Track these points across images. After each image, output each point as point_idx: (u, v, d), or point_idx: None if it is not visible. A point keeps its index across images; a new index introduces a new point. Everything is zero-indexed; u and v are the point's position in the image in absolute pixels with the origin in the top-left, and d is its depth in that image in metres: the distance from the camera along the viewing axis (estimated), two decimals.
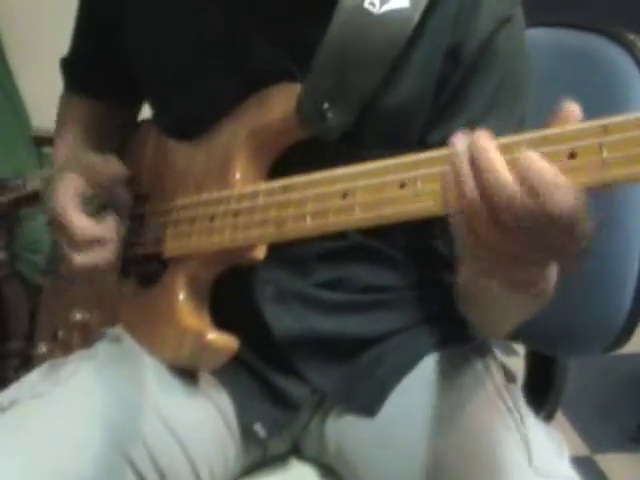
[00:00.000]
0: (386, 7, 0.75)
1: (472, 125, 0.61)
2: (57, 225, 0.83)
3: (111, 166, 0.86)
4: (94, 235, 0.81)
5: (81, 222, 0.81)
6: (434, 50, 0.76)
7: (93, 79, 0.99)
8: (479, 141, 0.54)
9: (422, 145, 0.76)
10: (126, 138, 0.99)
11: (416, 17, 0.75)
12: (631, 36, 0.97)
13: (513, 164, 0.52)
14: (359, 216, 0.65)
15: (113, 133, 0.99)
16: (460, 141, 0.55)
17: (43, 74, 1.06)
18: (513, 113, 0.79)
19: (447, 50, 0.76)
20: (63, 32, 1.00)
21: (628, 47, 0.96)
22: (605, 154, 0.51)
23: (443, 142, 0.59)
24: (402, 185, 0.62)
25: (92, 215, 0.83)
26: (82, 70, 1.00)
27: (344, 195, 0.66)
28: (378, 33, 0.75)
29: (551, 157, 0.52)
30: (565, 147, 0.52)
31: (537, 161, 0.52)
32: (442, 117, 0.78)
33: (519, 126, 0.77)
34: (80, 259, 0.81)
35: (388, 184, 0.63)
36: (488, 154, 0.53)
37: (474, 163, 0.54)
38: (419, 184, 0.60)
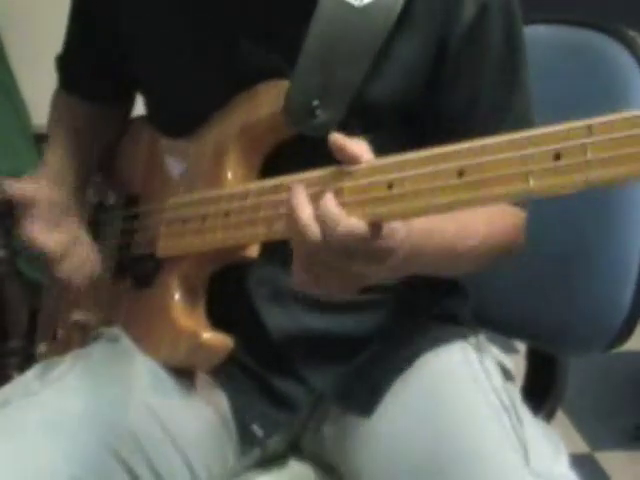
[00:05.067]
0: None
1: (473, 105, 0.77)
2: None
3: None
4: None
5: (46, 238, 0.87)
6: (423, 39, 0.77)
7: (85, 81, 0.99)
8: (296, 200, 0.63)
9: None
10: (117, 138, 0.99)
11: (398, 8, 0.75)
12: (632, 33, 0.97)
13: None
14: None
15: (104, 133, 1.00)
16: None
17: (43, 72, 1.06)
18: (516, 86, 0.82)
19: (437, 40, 0.77)
20: (63, 30, 1.00)
21: (629, 44, 0.96)
22: (589, 155, 0.50)
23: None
24: (390, 185, 0.61)
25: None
26: (74, 70, 1.00)
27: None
28: (361, 26, 0.74)
29: (536, 158, 0.53)
30: (550, 148, 0.52)
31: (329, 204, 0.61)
32: (441, 93, 0.80)
33: (525, 98, 0.82)
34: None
35: (376, 184, 0.62)
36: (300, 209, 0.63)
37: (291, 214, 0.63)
38: (407, 185, 0.60)
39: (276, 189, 0.72)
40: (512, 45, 0.81)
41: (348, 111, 0.76)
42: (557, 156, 0.52)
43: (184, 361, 0.82)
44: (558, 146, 0.52)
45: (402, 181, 0.60)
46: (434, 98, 0.80)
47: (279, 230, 0.71)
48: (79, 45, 0.98)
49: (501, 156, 0.55)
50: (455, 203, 0.58)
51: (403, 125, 0.80)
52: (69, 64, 1.01)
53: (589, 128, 0.51)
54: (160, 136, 0.90)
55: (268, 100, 0.77)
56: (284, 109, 0.76)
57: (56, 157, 0.96)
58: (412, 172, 0.59)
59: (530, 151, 0.53)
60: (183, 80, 0.85)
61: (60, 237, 0.88)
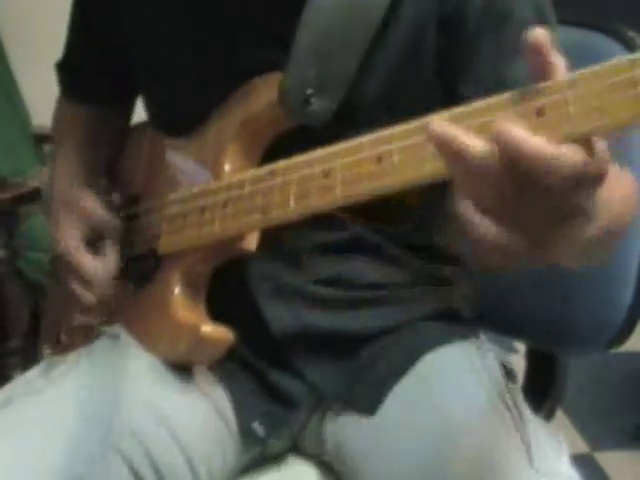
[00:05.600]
0: None
1: (497, 72, 0.71)
2: (66, 262, 0.91)
3: (95, 206, 0.92)
4: (104, 275, 0.89)
5: (92, 266, 0.89)
6: (418, 24, 0.75)
7: (86, 84, 1.00)
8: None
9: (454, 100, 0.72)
10: (120, 143, 1.00)
11: None
12: (631, 33, 0.97)
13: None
14: (341, 194, 0.66)
15: (108, 139, 1.00)
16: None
17: (43, 72, 1.06)
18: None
19: (440, 21, 0.75)
20: (63, 30, 1.00)
21: (628, 44, 0.96)
22: (571, 109, 0.49)
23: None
24: (379, 159, 0.62)
25: (92, 249, 0.91)
26: (75, 75, 1.01)
27: (326, 175, 0.67)
28: (353, 13, 0.74)
29: (520, 116, 0.51)
30: (534, 104, 0.51)
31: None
32: (464, 72, 0.75)
33: None
34: (92, 297, 0.89)
35: (365, 160, 0.63)
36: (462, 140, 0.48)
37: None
38: (395, 157, 0.60)
39: (270, 174, 0.72)
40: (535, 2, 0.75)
41: (345, 99, 0.76)
42: (540, 112, 0.50)
43: (185, 356, 0.81)
44: (542, 102, 0.50)
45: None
46: (450, 84, 0.76)
47: (275, 216, 0.71)
48: (80, 48, 0.99)
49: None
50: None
51: (401, 106, 0.77)
52: (71, 68, 1.01)
53: (571, 82, 0.50)
54: (161, 136, 0.90)
55: (265, 92, 0.78)
56: (279, 99, 0.76)
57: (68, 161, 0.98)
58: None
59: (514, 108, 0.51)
60: (183, 80, 0.85)
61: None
